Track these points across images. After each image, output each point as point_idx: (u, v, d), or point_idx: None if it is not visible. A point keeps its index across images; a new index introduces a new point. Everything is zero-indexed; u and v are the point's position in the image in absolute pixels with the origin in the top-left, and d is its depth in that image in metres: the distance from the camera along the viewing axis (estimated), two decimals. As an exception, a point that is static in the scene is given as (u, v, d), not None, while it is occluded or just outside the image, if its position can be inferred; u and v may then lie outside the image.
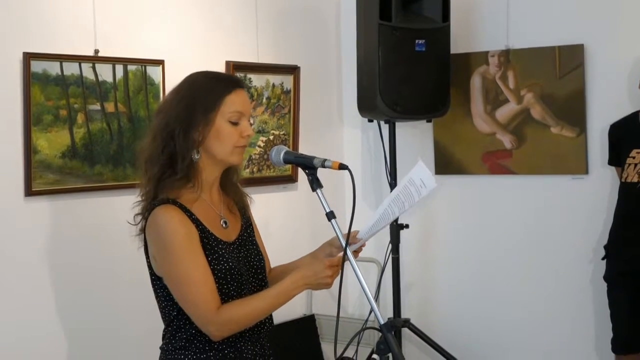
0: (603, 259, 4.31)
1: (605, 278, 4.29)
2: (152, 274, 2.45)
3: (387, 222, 2.42)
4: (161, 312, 2.48)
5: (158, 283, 2.43)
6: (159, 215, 2.36)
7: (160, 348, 2.50)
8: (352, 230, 2.39)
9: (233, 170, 2.57)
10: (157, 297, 2.47)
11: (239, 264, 2.45)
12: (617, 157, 4.27)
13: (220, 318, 2.34)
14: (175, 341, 2.43)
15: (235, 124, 2.44)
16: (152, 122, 2.52)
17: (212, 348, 2.40)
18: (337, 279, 2.33)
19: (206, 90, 2.42)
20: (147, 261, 2.46)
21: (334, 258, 2.40)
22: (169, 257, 2.36)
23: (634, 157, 4.12)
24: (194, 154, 2.41)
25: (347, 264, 2.35)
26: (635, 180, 4.10)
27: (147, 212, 2.41)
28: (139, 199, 2.46)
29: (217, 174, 2.50)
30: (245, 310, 2.37)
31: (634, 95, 4.34)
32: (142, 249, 2.48)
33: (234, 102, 2.44)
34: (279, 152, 2.46)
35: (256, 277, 2.50)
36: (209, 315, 2.34)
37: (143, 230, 2.44)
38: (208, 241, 2.40)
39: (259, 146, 4.59)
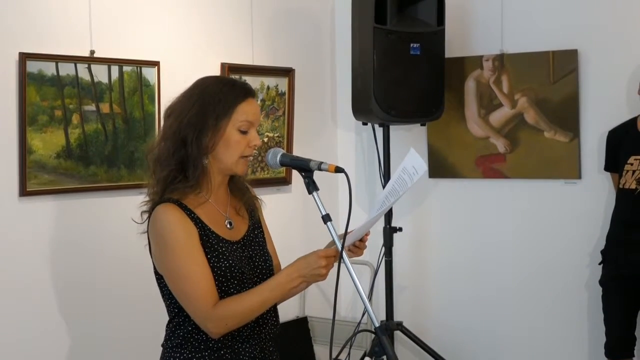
0: (600, 263, 4.32)
1: (601, 282, 4.30)
2: (156, 272, 2.46)
3: (383, 213, 2.43)
4: (167, 309, 2.50)
5: (162, 281, 2.45)
6: (158, 213, 2.38)
7: (162, 345, 2.51)
8: (349, 231, 2.39)
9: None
10: (162, 294, 2.49)
11: (241, 262, 2.45)
12: (613, 163, 4.28)
13: (217, 314, 2.34)
14: (174, 338, 2.44)
15: (244, 132, 2.44)
16: (163, 123, 2.51)
17: (207, 347, 2.41)
18: (333, 282, 2.33)
19: (219, 97, 2.42)
20: (152, 259, 2.47)
21: (328, 249, 2.40)
22: (167, 253, 2.37)
23: (631, 164, 4.13)
24: (204, 160, 2.42)
25: (342, 267, 2.35)
26: (633, 186, 4.11)
27: (151, 211, 2.42)
28: (147, 198, 2.46)
29: (224, 178, 2.51)
30: (241, 305, 2.37)
31: (628, 100, 4.36)
32: (147, 248, 2.49)
33: (246, 111, 2.44)
34: (276, 155, 2.47)
35: (260, 278, 2.49)
36: (206, 311, 2.34)
37: (147, 229, 2.45)
38: (208, 239, 2.41)
39: (253, 148, 4.58)
